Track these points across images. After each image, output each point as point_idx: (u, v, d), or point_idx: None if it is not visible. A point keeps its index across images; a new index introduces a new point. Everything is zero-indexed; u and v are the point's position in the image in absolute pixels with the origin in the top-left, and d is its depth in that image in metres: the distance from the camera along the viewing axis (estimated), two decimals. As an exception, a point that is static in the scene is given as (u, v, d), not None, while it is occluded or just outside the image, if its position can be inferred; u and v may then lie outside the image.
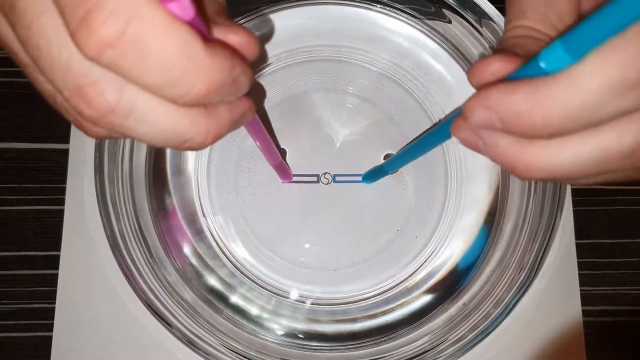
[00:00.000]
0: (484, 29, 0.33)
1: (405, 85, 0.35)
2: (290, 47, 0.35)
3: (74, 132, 0.34)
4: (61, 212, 0.33)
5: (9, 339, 0.32)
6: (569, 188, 0.34)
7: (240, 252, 0.33)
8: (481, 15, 0.33)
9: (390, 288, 0.33)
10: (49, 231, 0.33)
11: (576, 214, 0.34)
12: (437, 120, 0.35)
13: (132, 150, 0.32)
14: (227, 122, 0.16)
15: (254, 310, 0.32)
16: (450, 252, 0.33)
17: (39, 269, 0.33)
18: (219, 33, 0.16)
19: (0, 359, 0.32)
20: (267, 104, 0.35)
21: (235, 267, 0.33)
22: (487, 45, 0.33)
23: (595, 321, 0.33)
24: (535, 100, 0.14)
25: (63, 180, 0.34)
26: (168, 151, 0.34)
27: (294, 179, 0.34)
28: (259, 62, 0.35)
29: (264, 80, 0.35)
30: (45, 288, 0.33)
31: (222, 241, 0.33)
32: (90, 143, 0.32)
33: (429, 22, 0.35)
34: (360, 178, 0.34)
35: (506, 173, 0.34)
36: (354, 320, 0.33)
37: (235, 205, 0.34)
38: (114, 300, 0.32)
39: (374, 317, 0.33)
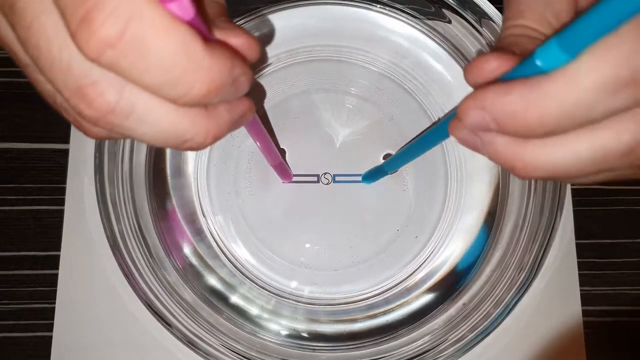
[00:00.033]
0: (483, 29, 0.33)
1: (405, 85, 0.35)
2: (290, 47, 0.35)
3: (74, 132, 0.34)
4: (61, 212, 0.33)
5: (9, 339, 0.32)
6: (569, 188, 0.34)
7: (240, 252, 0.33)
8: (481, 15, 0.33)
9: (390, 288, 0.33)
10: (49, 231, 0.33)
11: (576, 214, 0.34)
12: (437, 120, 0.35)
13: (132, 151, 0.32)
14: (227, 122, 0.16)
15: (254, 310, 0.32)
16: (450, 252, 0.33)
17: (39, 269, 0.33)
18: (219, 35, 0.16)
19: (0, 359, 0.32)
20: (267, 104, 0.35)
21: (235, 267, 0.33)
22: (487, 45, 0.33)
23: (595, 321, 0.33)
24: (530, 99, 0.14)
25: (63, 180, 0.34)
26: (168, 151, 0.34)
27: (294, 179, 0.34)
28: (259, 62, 0.35)
29: (264, 80, 0.35)
30: (45, 288, 0.33)
31: (222, 241, 0.33)
32: (90, 143, 0.32)
33: (429, 22, 0.35)
34: (360, 178, 0.34)
35: (506, 173, 0.34)
36: (354, 320, 0.33)
37: (235, 205, 0.34)
38: (114, 300, 0.32)
39: (374, 317, 0.33)
